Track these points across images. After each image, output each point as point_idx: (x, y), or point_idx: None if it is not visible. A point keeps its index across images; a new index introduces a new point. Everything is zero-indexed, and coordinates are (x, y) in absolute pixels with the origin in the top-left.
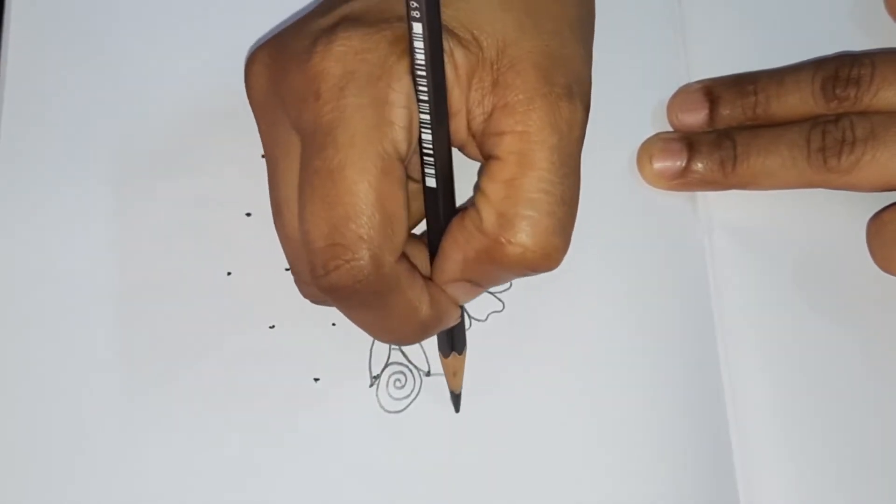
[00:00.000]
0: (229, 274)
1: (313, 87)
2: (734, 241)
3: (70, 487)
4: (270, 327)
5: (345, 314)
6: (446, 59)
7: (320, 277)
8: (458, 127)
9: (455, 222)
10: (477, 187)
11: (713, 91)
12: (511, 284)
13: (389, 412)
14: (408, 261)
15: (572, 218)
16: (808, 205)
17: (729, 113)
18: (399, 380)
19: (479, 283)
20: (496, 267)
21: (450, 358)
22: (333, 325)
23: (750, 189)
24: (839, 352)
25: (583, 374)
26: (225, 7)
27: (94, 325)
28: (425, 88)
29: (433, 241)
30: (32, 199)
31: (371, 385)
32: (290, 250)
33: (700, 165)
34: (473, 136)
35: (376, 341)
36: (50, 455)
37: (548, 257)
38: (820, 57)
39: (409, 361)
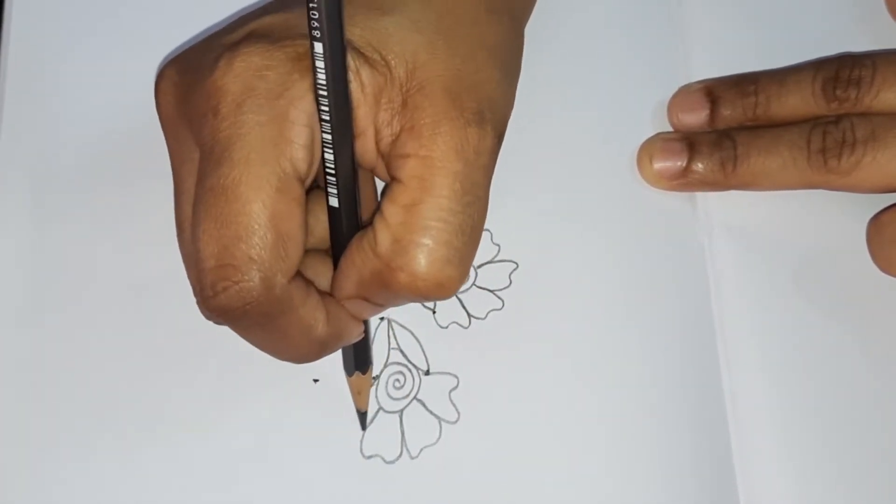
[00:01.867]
0: None
1: (212, 102)
2: (734, 241)
3: (69, 486)
4: None
5: (239, 335)
6: (352, 77)
7: (209, 299)
8: (366, 147)
9: (354, 240)
10: (378, 209)
11: (714, 91)
12: (511, 282)
13: (389, 412)
14: (303, 279)
15: (472, 248)
16: (808, 205)
17: (729, 113)
18: (398, 380)
19: (374, 302)
20: (388, 291)
21: (353, 377)
22: None
23: (750, 189)
24: (839, 352)
25: (582, 373)
26: (228, 5)
27: (95, 325)
28: (327, 108)
29: (337, 258)
30: (33, 199)
31: (371, 385)
32: (189, 270)
33: (700, 166)
34: (382, 157)
35: (376, 341)
36: (48, 454)
37: (440, 287)
38: (821, 57)
39: (409, 361)
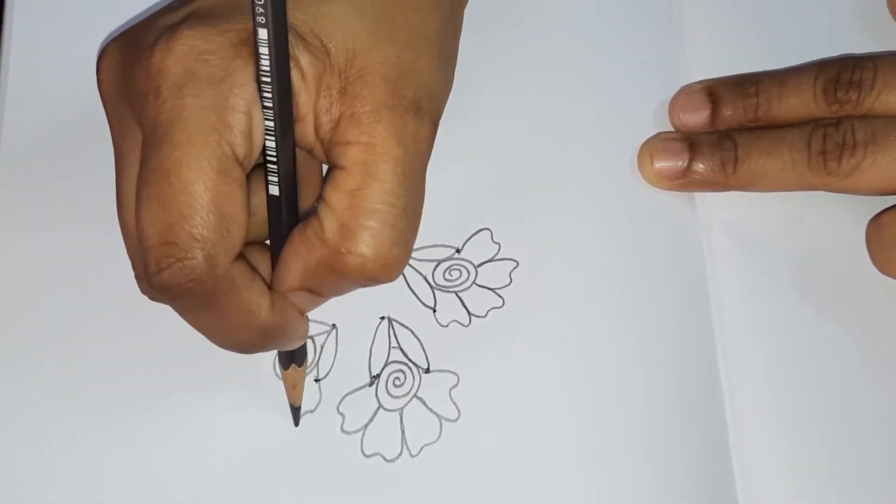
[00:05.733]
0: None
1: (153, 84)
2: (733, 241)
3: (66, 485)
4: None
5: (182, 316)
6: (292, 64)
7: (153, 275)
8: (305, 131)
9: (297, 231)
10: (320, 197)
11: (715, 91)
12: (511, 280)
13: (389, 410)
14: (247, 263)
15: (414, 231)
16: (808, 205)
17: (730, 114)
18: (398, 378)
19: (318, 292)
20: (336, 277)
21: (290, 370)
22: (333, 325)
23: (750, 190)
24: (838, 352)
25: (581, 372)
26: None
27: (95, 324)
28: (270, 96)
29: (276, 250)
30: (34, 198)
31: (371, 384)
32: (129, 246)
33: (701, 166)
34: (321, 143)
35: (376, 340)
36: (47, 453)
37: (388, 268)
38: (822, 59)
39: (409, 359)
